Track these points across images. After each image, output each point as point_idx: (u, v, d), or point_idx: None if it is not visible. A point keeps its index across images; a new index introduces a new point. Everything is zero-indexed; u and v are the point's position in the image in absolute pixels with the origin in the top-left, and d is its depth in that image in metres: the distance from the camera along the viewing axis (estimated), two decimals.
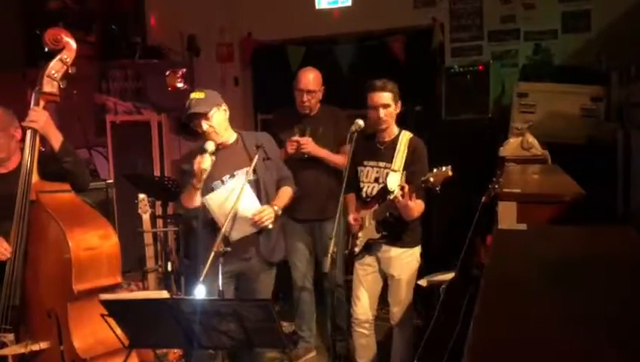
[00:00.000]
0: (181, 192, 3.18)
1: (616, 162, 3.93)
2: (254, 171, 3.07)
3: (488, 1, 5.22)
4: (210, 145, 2.97)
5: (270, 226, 3.06)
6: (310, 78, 3.86)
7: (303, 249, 4.04)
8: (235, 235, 3.02)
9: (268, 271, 3.23)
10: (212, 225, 3.06)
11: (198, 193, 3.04)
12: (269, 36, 5.85)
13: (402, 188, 3.04)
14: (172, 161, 5.41)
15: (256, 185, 3.10)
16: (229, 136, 3.18)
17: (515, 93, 4.51)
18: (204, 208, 3.06)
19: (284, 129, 3.92)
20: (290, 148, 3.77)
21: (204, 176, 2.97)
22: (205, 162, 2.94)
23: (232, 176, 3.10)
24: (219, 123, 3.08)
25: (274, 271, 3.27)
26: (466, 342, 1.37)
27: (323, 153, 3.83)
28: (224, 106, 3.12)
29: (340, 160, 3.82)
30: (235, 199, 2.90)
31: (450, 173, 2.93)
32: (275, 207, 3.09)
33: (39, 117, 2.75)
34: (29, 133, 2.75)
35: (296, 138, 3.80)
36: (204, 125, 3.03)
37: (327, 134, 3.88)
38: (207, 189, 3.05)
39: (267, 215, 3.02)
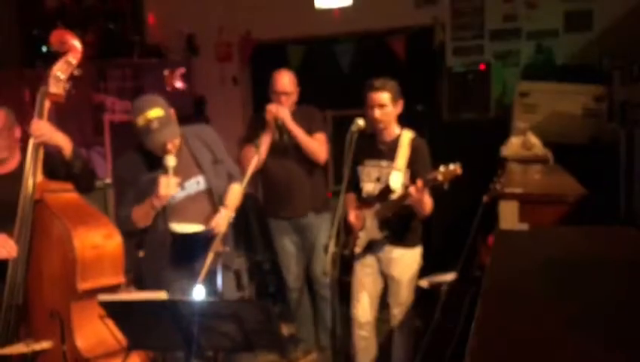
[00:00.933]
0: (123, 204, 2.92)
1: (618, 162, 3.92)
2: (206, 179, 2.94)
3: (490, 0, 5.20)
4: (171, 161, 2.76)
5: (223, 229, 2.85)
6: (286, 80, 3.80)
7: (292, 248, 3.99)
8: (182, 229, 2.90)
9: (227, 275, 3.03)
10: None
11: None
12: (269, 35, 5.82)
13: (415, 183, 3.00)
14: None
15: (209, 194, 2.96)
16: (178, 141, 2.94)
17: (517, 93, 4.48)
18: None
19: (260, 132, 3.80)
20: (272, 110, 3.66)
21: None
22: (172, 188, 2.76)
23: (183, 188, 2.92)
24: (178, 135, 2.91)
25: (232, 273, 3.11)
26: (468, 344, 1.35)
27: (293, 126, 3.71)
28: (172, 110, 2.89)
29: (311, 143, 3.76)
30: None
31: (459, 171, 2.90)
32: (229, 210, 2.92)
33: (44, 129, 2.71)
34: (31, 142, 2.71)
35: (275, 105, 3.71)
36: (170, 145, 2.80)
37: None
38: None
39: (222, 220, 2.86)
